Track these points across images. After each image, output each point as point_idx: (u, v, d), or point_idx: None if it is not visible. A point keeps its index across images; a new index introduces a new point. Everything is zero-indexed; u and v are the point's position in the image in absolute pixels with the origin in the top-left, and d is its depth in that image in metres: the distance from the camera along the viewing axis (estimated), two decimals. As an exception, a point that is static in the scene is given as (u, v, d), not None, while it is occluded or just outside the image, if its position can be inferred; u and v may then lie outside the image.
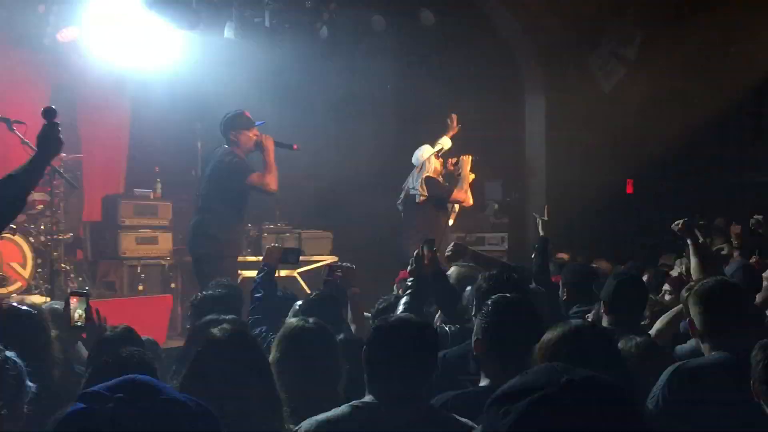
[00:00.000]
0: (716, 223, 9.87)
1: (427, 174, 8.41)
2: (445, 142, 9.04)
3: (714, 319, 3.25)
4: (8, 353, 2.47)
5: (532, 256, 5.86)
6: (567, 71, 11.93)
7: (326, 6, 10.76)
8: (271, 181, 6.84)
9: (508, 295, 3.39)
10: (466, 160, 8.43)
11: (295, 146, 7.29)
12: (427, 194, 8.31)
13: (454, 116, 8.96)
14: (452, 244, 6.03)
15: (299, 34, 11.38)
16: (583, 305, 5.02)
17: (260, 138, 6.98)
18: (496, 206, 12.10)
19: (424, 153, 8.60)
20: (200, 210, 7.00)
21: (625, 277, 4.55)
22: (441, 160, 8.61)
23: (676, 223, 5.61)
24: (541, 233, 6.28)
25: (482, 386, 3.21)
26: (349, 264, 5.61)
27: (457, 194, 8.30)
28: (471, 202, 8.54)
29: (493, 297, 3.34)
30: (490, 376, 3.17)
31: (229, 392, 2.54)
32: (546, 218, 6.38)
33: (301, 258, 10.42)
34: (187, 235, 7.24)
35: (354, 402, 2.79)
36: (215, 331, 2.83)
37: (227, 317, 3.84)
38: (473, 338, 3.29)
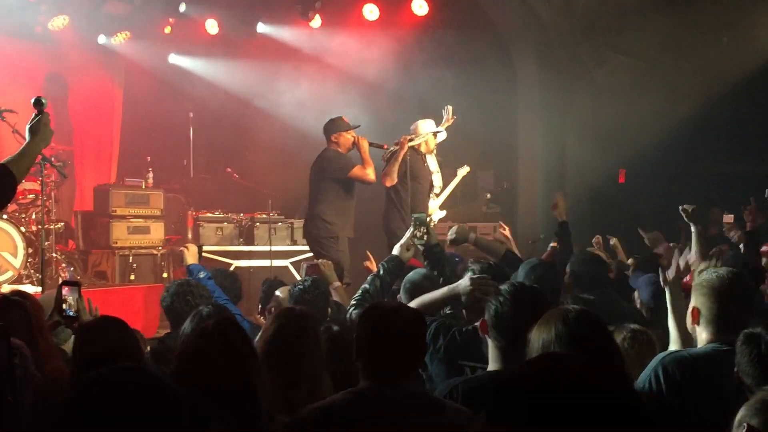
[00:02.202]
0: (711, 212, 9.91)
1: (403, 142, 8.37)
2: (440, 133, 9.05)
3: (723, 310, 3.22)
4: (16, 341, 2.48)
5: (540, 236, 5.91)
6: (560, 61, 11.92)
7: None
8: (370, 173, 7.99)
9: (520, 283, 3.42)
10: (404, 144, 8.30)
11: (385, 146, 8.31)
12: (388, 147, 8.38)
13: (449, 107, 8.99)
14: (455, 227, 6.04)
15: (291, 24, 11.40)
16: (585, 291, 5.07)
17: (356, 139, 8.08)
18: (489, 196, 12.12)
19: (423, 127, 8.57)
20: (316, 200, 8.07)
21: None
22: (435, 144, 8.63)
23: (684, 208, 5.75)
24: (562, 218, 6.51)
25: (490, 371, 3.21)
26: (323, 260, 5.67)
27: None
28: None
29: (506, 285, 3.35)
30: (497, 360, 3.19)
31: (211, 385, 2.56)
32: (562, 199, 6.53)
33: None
34: (305, 221, 8.40)
35: (350, 389, 2.82)
36: (202, 325, 2.84)
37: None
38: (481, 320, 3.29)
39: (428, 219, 5.24)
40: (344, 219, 8.09)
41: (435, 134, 8.64)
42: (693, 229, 5.73)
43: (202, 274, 5.42)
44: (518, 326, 3.09)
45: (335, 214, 8.02)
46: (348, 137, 8.09)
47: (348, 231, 8.14)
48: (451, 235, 5.93)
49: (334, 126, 8.16)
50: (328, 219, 8.00)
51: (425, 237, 4.86)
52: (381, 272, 4.60)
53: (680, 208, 5.89)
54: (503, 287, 3.30)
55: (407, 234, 4.88)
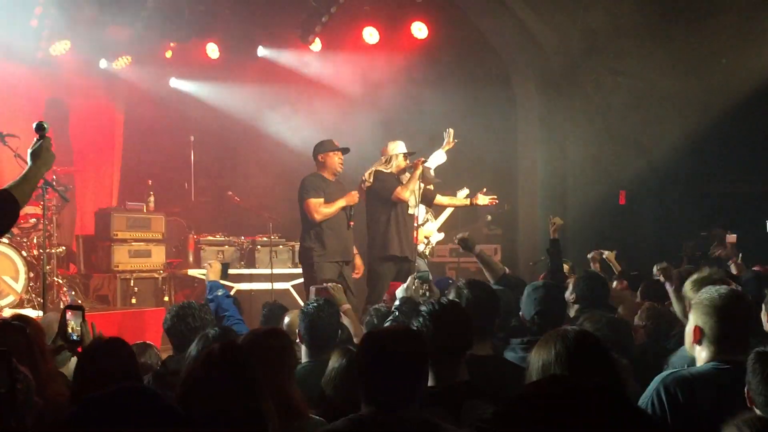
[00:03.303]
0: (713, 233, 9.91)
1: (380, 168, 8.36)
2: (440, 156, 9.05)
3: (725, 328, 3.22)
4: (20, 368, 2.47)
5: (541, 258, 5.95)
6: (559, 83, 11.96)
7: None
8: (325, 212, 7.88)
9: (442, 301, 3.52)
10: (418, 165, 8.29)
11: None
12: (371, 184, 8.32)
13: (450, 131, 9.01)
14: (461, 235, 6.22)
15: (292, 47, 11.46)
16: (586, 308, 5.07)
17: (410, 161, 8.21)
18: (489, 218, 12.12)
19: (393, 148, 8.48)
20: (302, 227, 8.11)
21: (541, 286, 4.59)
22: (407, 162, 8.42)
23: (659, 268, 5.72)
24: (553, 236, 6.61)
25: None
26: (333, 284, 5.69)
27: (398, 193, 8.21)
28: (405, 198, 8.30)
29: (427, 305, 3.47)
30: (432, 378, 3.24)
31: (217, 408, 2.55)
32: (560, 220, 6.61)
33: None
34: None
35: (351, 415, 2.78)
36: (207, 349, 2.84)
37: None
38: None
39: (430, 277, 5.55)
40: (320, 244, 7.96)
41: (405, 155, 8.48)
42: (668, 288, 5.51)
43: (220, 292, 5.46)
44: (441, 344, 3.23)
45: (311, 239, 7.97)
46: (335, 158, 8.02)
47: (330, 256, 7.96)
48: (463, 234, 6.30)
49: (321, 147, 8.13)
50: (305, 244, 8.02)
51: (427, 293, 5.17)
52: (396, 315, 4.68)
53: (654, 274, 5.82)
54: (423, 308, 3.42)
55: (409, 285, 5.18)
